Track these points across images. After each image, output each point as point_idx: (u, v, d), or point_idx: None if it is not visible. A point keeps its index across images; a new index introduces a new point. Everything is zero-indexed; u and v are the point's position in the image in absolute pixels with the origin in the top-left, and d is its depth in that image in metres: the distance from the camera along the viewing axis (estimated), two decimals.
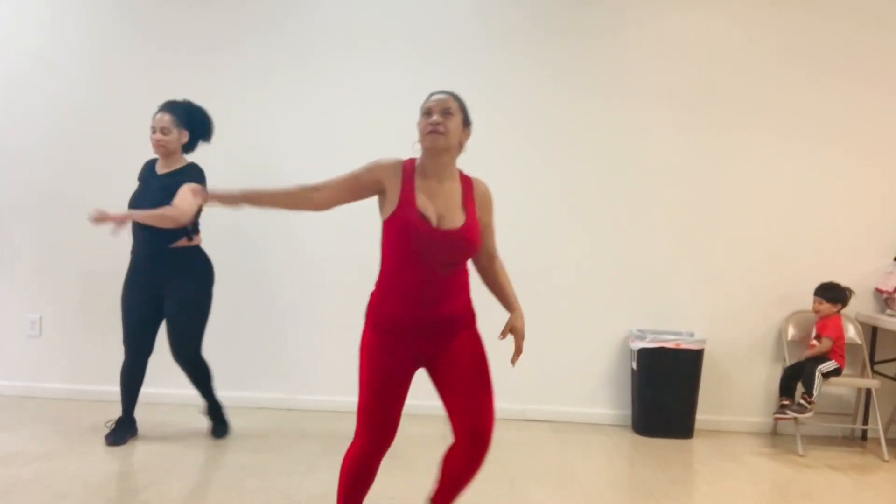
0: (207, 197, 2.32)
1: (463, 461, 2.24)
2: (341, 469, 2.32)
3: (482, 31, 4.41)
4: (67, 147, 4.50)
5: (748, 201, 4.41)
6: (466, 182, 2.28)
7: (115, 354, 4.09)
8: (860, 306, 4.38)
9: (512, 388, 4.45)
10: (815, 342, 4.16)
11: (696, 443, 4.19)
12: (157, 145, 3.56)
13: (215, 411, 3.85)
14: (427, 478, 3.39)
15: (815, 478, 3.69)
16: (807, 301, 4.25)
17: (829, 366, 4.05)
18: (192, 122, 3.63)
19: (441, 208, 2.18)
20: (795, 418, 4.02)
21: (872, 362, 4.33)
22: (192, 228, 3.59)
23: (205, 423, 3.95)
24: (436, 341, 2.22)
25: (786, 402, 4.09)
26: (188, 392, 4.10)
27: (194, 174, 3.57)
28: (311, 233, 4.45)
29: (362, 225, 4.49)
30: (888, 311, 4.29)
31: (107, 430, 3.67)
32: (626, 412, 4.45)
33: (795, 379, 4.13)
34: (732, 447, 4.12)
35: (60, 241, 4.51)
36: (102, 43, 4.49)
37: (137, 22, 4.47)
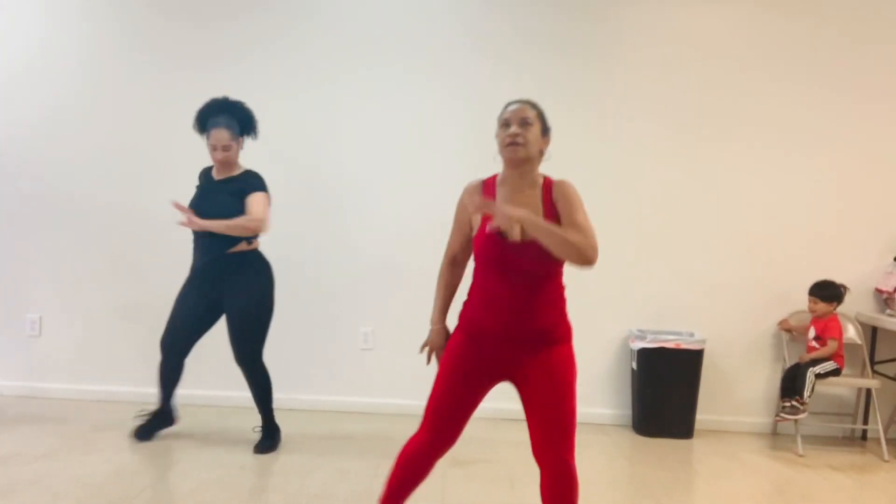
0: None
1: (550, 496, 2.18)
2: (396, 461, 2.31)
3: (478, 45, 4.41)
4: (67, 147, 4.49)
5: (748, 201, 4.41)
6: (548, 187, 2.23)
7: (115, 354, 4.11)
8: (860, 306, 4.38)
9: (512, 388, 4.47)
10: (814, 343, 4.16)
11: (696, 443, 4.19)
12: (222, 162, 3.56)
13: (269, 428, 3.74)
14: (427, 478, 3.39)
15: (815, 478, 3.69)
16: (806, 301, 4.25)
17: (826, 367, 4.05)
18: (243, 127, 3.64)
19: None
20: (787, 420, 4.04)
21: (872, 362, 4.33)
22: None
23: (205, 423, 3.95)
24: (521, 353, 2.19)
25: (786, 404, 4.09)
26: (188, 392, 4.11)
27: (254, 180, 3.60)
28: (312, 230, 4.45)
29: (358, 229, 4.53)
30: (888, 311, 4.29)
31: (139, 421, 3.70)
32: (626, 412, 4.45)
33: (796, 380, 4.12)
34: (732, 447, 4.12)
35: (60, 241, 4.51)
36: (101, 43, 4.49)
37: (135, 27, 4.47)
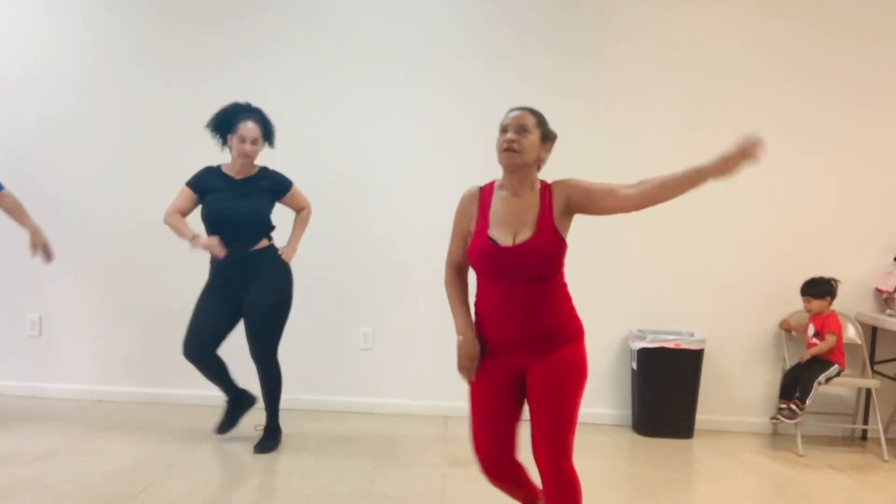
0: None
1: (552, 489, 2.19)
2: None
3: (480, 45, 4.41)
4: (67, 148, 4.49)
5: (748, 201, 4.40)
6: (546, 191, 2.24)
7: (115, 354, 4.10)
8: (860, 306, 4.38)
9: None
10: (814, 340, 4.16)
11: (696, 443, 4.19)
12: (248, 155, 3.54)
13: (272, 427, 3.77)
14: (426, 478, 3.40)
15: (815, 478, 3.69)
16: None
17: (830, 373, 4.04)
18: (266, 133, 3.65)
19: (516, 224, 2.18)
20: (783, 422, 4.04)
21: (872, 362, 4.33)
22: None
23: (205, 423, 3.95)
24: (533, 356, 2.19)
25: (783, 406, 4.08)
26: (188, 392, 4.12)
27: (280, 176, 3.69)
28: (315, 232, 4.45)
29: (358, 229, 4.53)
30: (888, 311, 4.29)
31: (220, 417, 3.77)
32: (626, 412, 4.45)
33: (795, 382, 4.11)
34: (732, 447, 4.12)
35: (60, 241, 4.49)
36: (101, 46, 4.49)
37: (137, 30, 4.46)
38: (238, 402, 3.78)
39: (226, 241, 3.52)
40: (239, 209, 3.53)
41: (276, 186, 3.67)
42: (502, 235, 2.17)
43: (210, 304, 3.62)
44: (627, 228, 4.43)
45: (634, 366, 4.30)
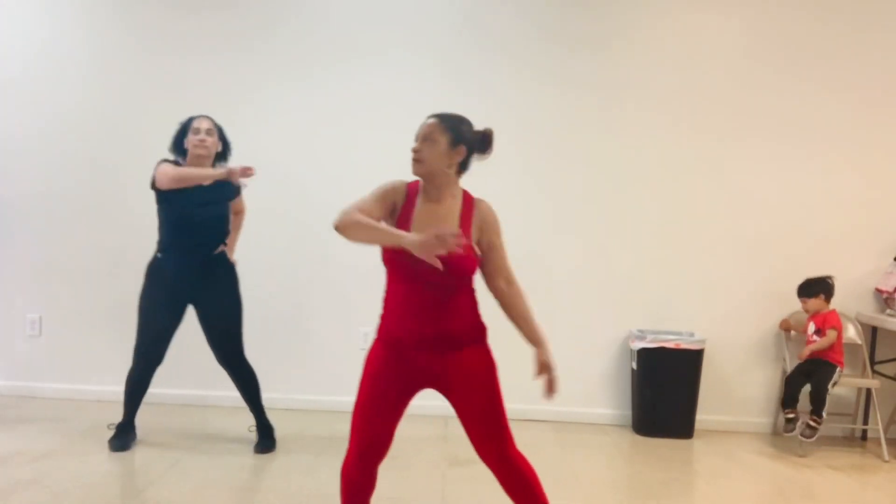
0: None
1: (510, 489, 2.27)
2: (340, 477, 2.34)
3: (480, 38, 4.40)
4: (67, 147, 4.49)
5: (748, 201, 4.41)
6: (468, 202, 2.28)
7: (115, 354, 4.10)
8: (860, 306, 4.38)
9: (512, 388, 4.44)
10: (814, 337, 4.14)
11: (696, 443, 4.19)
12: (201, 146, 3.49)
13: (266, 426, 3.75)
14: (425, 477, 3.40)
15: (815, 478, 3.69)
16: None
17: (836, 377, 4.03)
18: (222, 135, 3.63)
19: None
20: (808, 441, 3.97)
21: (872, 362, 4.33)
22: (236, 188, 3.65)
23: (205, 423, 3.95)
24: (438, 358, 2.22)
25: (791, 416, 4.05)
26: (187, 392, 4.12)
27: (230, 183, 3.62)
28: (308, 232, 4.45)
29: None
30: (888, 311, 4.29)
31: (109, 434, 3.64)
32: (626, 412, 4.45)
33: (798, 387, 4.10)
34: (732, 447, 4.12)
35: (60, 240, 4.51)
36: (103, 43, 4.49)
37: (137, 25, 4.47)
38: (129, 429, 3.67)
39: (193, 246, 3.51)
40: (210, 213, 3.51)
41: (231, 189, 3.62)
42: None
43: (163, 309, 3.53)
44: (628, 229, 4.44)
45: (634, 366, 4.30)
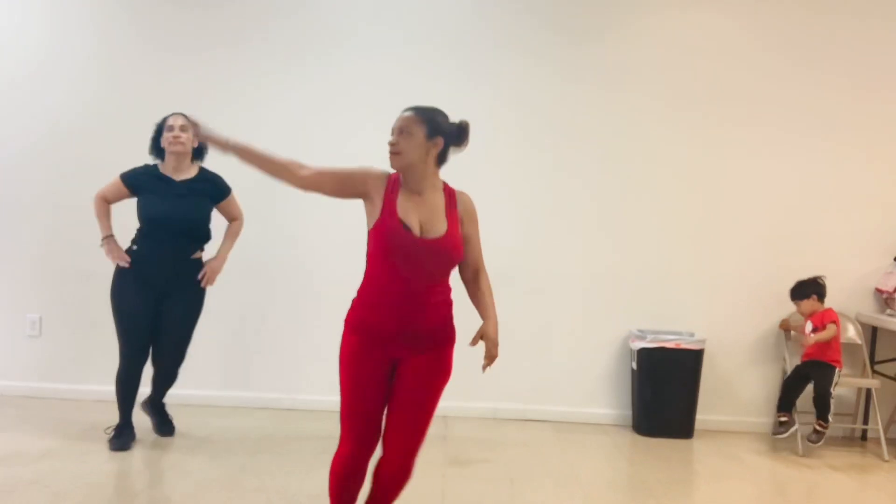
0: (204, 136, 2.38)
1: (391, 475, 2.32)
2: (330, 473, 2.38)
3: (483, 29, 4.40)
4: (67, 147, 4.49)
5: (748, 201, 4.41)
6: (450, 194, 2.31)
7: (115, 354, 4.09)
8: (860, 306, 4.38)
9: (512, 388, 4.46)
10: (812, 335, 4.13)
11: (696, 443, 4.19)
12: (176, 142, 3.50)
13: (161, 410, 3.83)
14: (426, 478, 3.40)
15: (815, 478, 3.69)
16: None
17: (837, 379, 4.03)
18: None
19: (424, 218, 2.22)
20: (816, 445, 3.98)
21: (872, 362, 4.33)
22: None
23: (204, 423, 3.95)
24: (409, 349, 2.26)
25: (784, 419, 4.07)
26: (187, 392, 4.11)
27: (221, 180, 3.65)
28: (310, 232, 4.45)
29: (360, 228, 4.52)
30: (888, 311, 4.29)
31: (108, 437, 3.63)
32: (626, 412, 4.45)
33: (795, 391, 4.10)
34: (732, 447, 4.12)
35: (60, 241, 4.51)
36: (104, 45, 4.49)
37: (140, 22, 4.47)
38: (127, 429, 3.67)
39: (163, 243, 3.50)
40: (179, 212, 3.50)
41: (215, 189, 3.62)
42: (414, 226, 2.20)
43: (139, 308, 3.55)
44: (628, 229, 4.44)
45: (634, 366, 4.30)
